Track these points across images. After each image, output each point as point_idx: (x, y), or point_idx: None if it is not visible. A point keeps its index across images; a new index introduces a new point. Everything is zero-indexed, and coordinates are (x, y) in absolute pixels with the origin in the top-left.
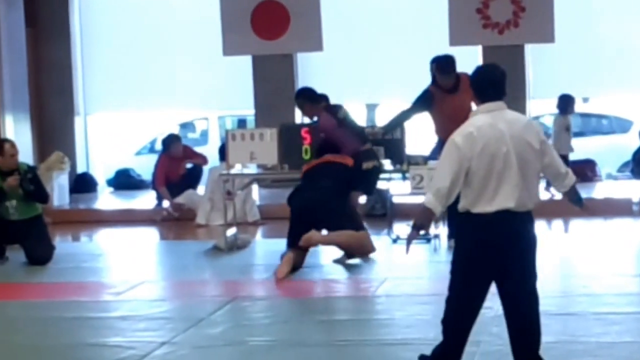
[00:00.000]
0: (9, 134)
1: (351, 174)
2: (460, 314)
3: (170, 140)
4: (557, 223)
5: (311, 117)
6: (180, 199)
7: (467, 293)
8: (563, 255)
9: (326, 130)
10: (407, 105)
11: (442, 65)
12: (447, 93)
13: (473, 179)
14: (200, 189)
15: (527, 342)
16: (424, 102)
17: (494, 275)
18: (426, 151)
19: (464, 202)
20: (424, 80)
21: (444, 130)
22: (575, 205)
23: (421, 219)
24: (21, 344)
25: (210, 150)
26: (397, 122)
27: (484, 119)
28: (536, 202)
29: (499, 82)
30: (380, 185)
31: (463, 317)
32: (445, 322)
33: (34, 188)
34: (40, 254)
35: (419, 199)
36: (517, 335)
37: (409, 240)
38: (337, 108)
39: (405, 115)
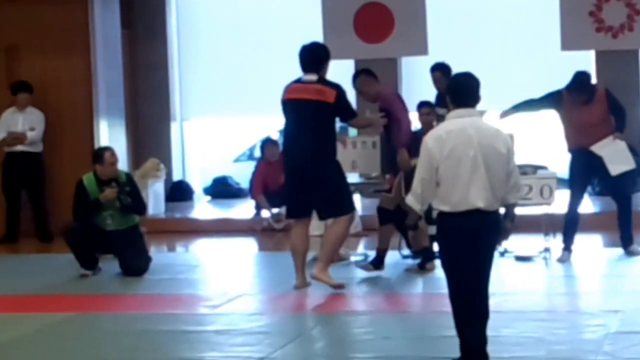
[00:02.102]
0: (104, 139)
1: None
2: (463, 308)
3: (266, 145)
4: None
5: (373, 100)
6: (280, 210)
7: (458, 287)
8: None
9: (386, 98)
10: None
11: (575, 82)
12: (580, 102)
13: (443, 181)
14: None
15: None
16: (552, 99)
17: (478, 267)
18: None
19: (436, 202)
20: (535, 85)
21: (570, 140)
22: (504, 220)
23: (410, 218)
24: (114, 357)
25: None
26: (523, 107)
27: (455, 124)
28: (501, 204)
29: (473, 90)
30: None
31: (466, 312)
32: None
33: (131, 201)
34: (136, 265)
35: (527, 211)
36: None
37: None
38: None
39: (531, 103)
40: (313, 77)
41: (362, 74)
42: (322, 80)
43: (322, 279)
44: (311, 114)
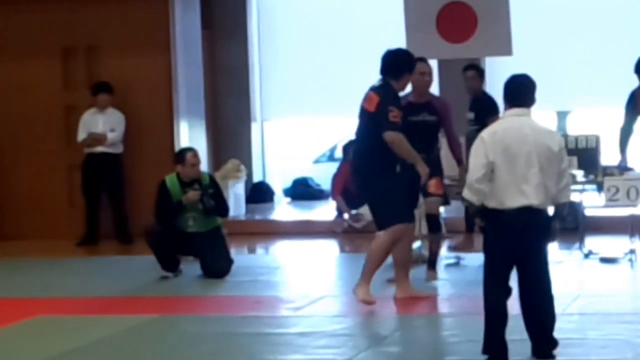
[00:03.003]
0: (184, 140)
1: None
2: (493, 294)
3: (350, 146)
4: None
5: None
6: (360, 209)
7: (494, 277)
8: None
9: (444, 106)
10: (601, 113)
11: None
12: None
13: (497, 176)
14: None
15: (541, 322)
16: (627, 107)
17: (514, 261)
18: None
19: (490, 198)
20: (621, 86)
21: None
22: (553, 220)
23: (471, 212)
24: None
25: None
26: (622, 140)
27: (510, 122)
28: (554, 201)
29: (529, 91)
30: (573, 197)
31: (496, 296)
32: (485, 300)
33: (214, 204)
34: (218, 267)
35: (613, 212)
36: (531, 315)
37: (480, 229)
38: None
39: (623, 130)
40: (377, 83)
41: (473, 69)
42: (380, 87)
43: (363, 300)
44: (363, 123)
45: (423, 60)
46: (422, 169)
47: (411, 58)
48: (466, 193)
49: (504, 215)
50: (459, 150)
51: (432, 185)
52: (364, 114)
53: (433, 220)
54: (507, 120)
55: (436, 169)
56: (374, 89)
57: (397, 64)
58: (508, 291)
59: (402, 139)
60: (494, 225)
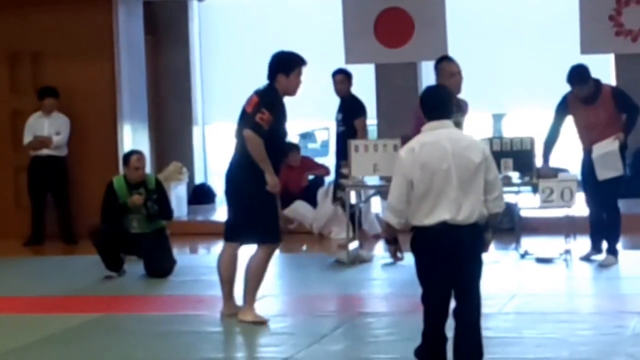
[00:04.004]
0: (127, 143)
1: None
2: (431, 317)
3: (288, 149)
4: None
5: None
6: (287, 211)
7: (432, 297)
8: None
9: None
10: (535, 115)
11: (572, 75)
12: (583, 103)
13: (416, 194)
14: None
15: (469, 355)
16: (558, 109)
17: (448, 281)
18: (567, 162)
19: (410, 216)
20: (555, 89)
21: (582, 141)
22: (484, 231)
23: (386, 233)
24: (139, 358)
25: (331, 161)
26: (547, 143)
27: (429, 137)
28: (480, 215)
29: (445, 102)
30: (508, 198)
31: (434, 320)
32: (424, 324)
33: (157, 209)
34: (160, 267)
35: (548, 213)
36: (460, 348)
37: (390, 253)
38: None
39: (549, 132)
40: (262, 86)
41: (342, 74)
42: (262, 89)
43: (254, 321)
44: (241, 126)
45: (451, 59)
46: (271, 180)
47: (287, 59)
48: (387, 215)
49: (425, 233)
50: None
51: None
52: (243, 116)
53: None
54: (425, 135)
55: None
56: (256, 91)
57: (271, 67)
58: (444, 314)
59: (260, 142)
60: (418, 244)
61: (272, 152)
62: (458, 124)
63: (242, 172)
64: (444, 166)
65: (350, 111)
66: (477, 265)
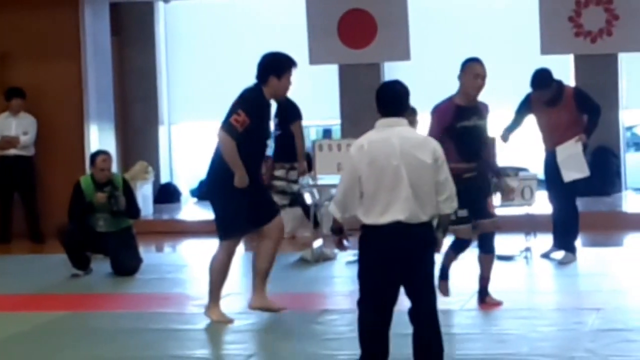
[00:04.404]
0: (94, 143)
1: None
2: (370, 320)
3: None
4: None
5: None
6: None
7: (373, 300)
8: None
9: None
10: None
11: (534, 79)
12: (546, 105)
13: (365, 191)
14: None
15: (429, 355)
16: (520, 108)
17: (396, 283)
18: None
19: (360, 214)
20: (516, 89)
21: (545, 142)
22: (436, 231)
23: (333, 226)
24: (106, 355)
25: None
26: (508, 128)
27: (379, 134)
28: (432, 215)
29: (399, 99)
30: None
31: (373, 322)
32: (359, 327)
33: (122, 207)
34: (127, 265)
35: (509, 211)
36: (419, 352)
37: (336, 245)
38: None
39: (510, 124)
40: (250, 85)
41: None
42: (247, 90)
43: (219, 321)
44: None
45: (479, 61)
46: (239, 178)
47: (279, 61)
48: (331, 207)
49: (377, 232)
50: (495, 159)
51: (491, 204)
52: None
53: (490, 238)
54: (376, 132)
55: (489, 183)
56: (243, 90)
57: (261, 67)
58: (386, 319)
59: (232, 144)
60: (369, 243)
61: (251, 154)
62: (480, 128)
63: (213, 171)
64: (393, 163)
65: (286, 115)
66: (429, 265)
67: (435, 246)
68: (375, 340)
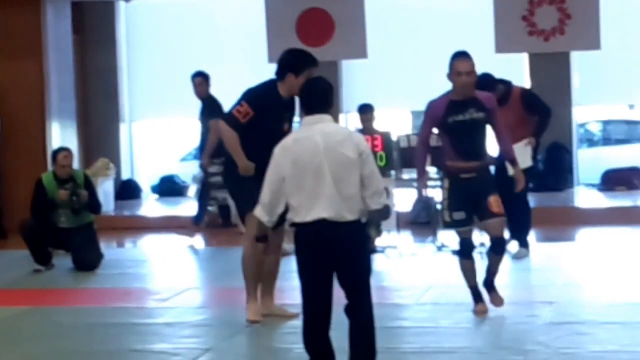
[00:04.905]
0: (56, 140)
1: None
2: (309, 326)
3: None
4: (601, 231)
5: None
6: (215, 208)
7: (310, 296)
8: (608, 263)
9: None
10: None
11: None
12: None
13: (290, 190)
14: None
15: (361, 354)
16: None
17: (327, 281)
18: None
19: (292, 213)
20: None
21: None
22: (367, 228)
23: (257, 229)
24: (67, 349)
25: None
26: None
27: (303, 132)
28: (360, 212)
29: (323, 96)
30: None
31: (312, 329)
32: (302, 333)
33: (84, 203)
34: (88, 260)
35: None
36: (354, 346)
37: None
38: None
39: None
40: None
41: (200, 76)
42: (261, 83)
43: (250, 320)
44: None
45: (462, 56)
46: (242, 164)
47: (298, 60)
48: (257, 211)
49: (305, 230)
50: (511, 149)
51: (493, 203)
52: None
53: (499, 243)
54: (300, 130)
55: (493, 184)
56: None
57: (281, 64)
58: (324, 323)
59: (231, 133)
60: (299, 241)
61: (256, 147)
62: (478, 121)
63: (227, 158)
64: (315, 161)
65: (209, 112)
66: (362, 262)
67: (368, 243)
68: (317, 347)
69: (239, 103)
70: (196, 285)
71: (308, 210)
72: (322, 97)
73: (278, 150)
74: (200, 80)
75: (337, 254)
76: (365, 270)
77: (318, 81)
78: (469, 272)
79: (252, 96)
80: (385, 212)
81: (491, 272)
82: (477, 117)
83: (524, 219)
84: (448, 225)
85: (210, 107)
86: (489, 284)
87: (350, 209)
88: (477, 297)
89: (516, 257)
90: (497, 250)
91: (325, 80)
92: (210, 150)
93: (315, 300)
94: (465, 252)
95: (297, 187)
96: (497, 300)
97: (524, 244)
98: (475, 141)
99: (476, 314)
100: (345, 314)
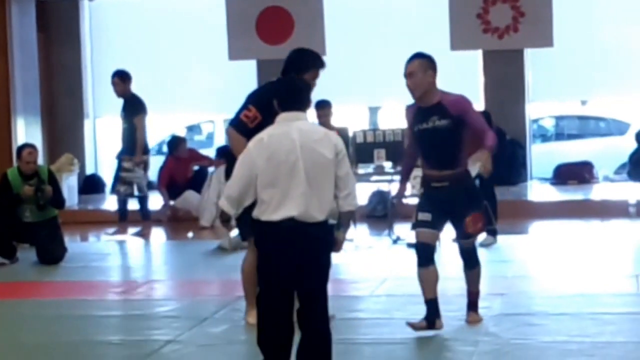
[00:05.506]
0: (21, 136)
1: None
2: (270, 318)
3: (176, 142)
4: (554, 224)
5: None
6: (177, 203)
7: (271, 298)
8: (559, 255)
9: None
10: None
11: None
12: None
13: (261, 185)
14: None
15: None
16: None
17: (288, 284)
18: None
19: (256, 210)
20: None
21: None
22: (336, 230)
23: (222, 219)
24: (30, 341)
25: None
26: None
27: (278, 128)
28: (330, 212)
29: (299, 94)
30: (381, 186)
31: (274, 322)
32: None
33: (48, 199)
34: (52, 254)
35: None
36: (305, 352)
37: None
38: None
39: None
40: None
41: (116, 76)
42: (267, 83)
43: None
44: None
45: (409, 59)
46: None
47: (302, 59)
48: (222, 202)
49: (271, 229)
50: (490, 137)
51: (469, 224)
52: None
53: (470, 254)
54: (276, 127)
55: (471, 197)
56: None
57: (286, 63)
58: (288, 327)
59: (240, 140)
60: (264, 240)
61: None
62: (442, 130)
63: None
64: (291, 158)
65: (130, 109)
66: (324, 266)
67: (334, 245)
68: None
69: (245, 107)
70: (158, 278)
71: (277, 208)
72: (300, 95)
73: (252, 145)
74: (117, 80)
75: (303, 255)
76: (325, 275)
77: (296, 80)
78: (426, 282)
79: (259, 99)
80: (354, 214)
81: (471, 291)
82: (439, 125)
83: (492, 207)
84: (413, 226)
85: (131, 106)
86: (471, 304)
87: (321, 209)
88: (430, 313)
89: (484, 244)
90: (471, 264)
91: (302, 79)
92: (141, 147)
93: (276, 303)
94: (422, 258)
95: (269, 183)
96: (473, 320)
97: (491, 232)
98: (443, 150)
99: (412, 327)
100: (298, 322)
